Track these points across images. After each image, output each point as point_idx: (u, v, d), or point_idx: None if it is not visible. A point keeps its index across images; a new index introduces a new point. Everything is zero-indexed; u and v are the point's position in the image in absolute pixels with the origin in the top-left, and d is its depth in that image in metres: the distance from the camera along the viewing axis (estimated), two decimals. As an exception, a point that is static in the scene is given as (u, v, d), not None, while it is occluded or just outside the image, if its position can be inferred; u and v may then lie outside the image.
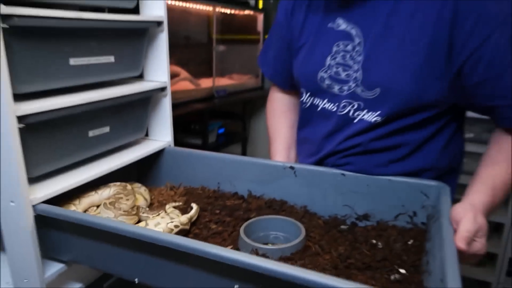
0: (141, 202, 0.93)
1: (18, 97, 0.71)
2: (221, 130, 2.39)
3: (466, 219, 0.66)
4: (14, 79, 0.67)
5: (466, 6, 0.73)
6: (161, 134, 1.11)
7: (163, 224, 0.80)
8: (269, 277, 0.54)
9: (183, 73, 2.09)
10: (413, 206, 0.84)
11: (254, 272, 0.55)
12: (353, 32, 0.85)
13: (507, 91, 0.75)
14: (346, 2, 0.86)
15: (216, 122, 2.37)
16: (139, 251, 0.68)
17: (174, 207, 0.89)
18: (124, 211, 0.83)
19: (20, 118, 0.68)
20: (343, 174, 0.89)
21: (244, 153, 2.68)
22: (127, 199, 0.87)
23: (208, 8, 2.26)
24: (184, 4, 2.04)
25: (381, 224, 0.85)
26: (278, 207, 0.93)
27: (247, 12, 2.59)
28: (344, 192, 0.89)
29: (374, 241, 0.79)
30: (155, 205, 0.96)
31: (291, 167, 0.94)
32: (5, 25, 0.64)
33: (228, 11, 2.43)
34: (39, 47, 0.74)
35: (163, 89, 1.06)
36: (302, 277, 0.52)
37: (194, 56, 2.40)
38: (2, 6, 0.63)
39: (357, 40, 0.85)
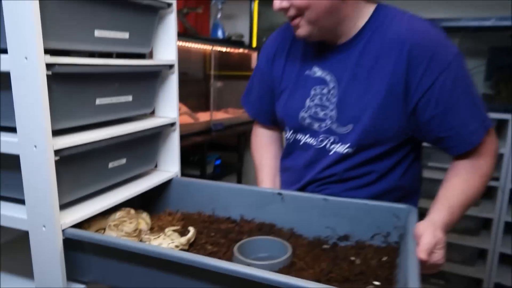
0: (143, 226, 1.02)
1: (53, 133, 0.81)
2: (218, 162, 2.49)
3: (427, 233, 0.78)
4: (52, 118, 0.77)
5: (418, 54, 0.88)
6: (170, 165, 1.20)
7: (164, 245, 0.89)
8: (262, 285, 0.63)
9: (183, 108, 2.20)
10: (387, 227, 0.94)
11: (250, 281, 0.64)
12: (328, 78, 1.00)
13: (452, 124, 0.90)
14: (320, 54, 1.02)
15: (213, 154, 2.47)
16: (153, 268, 0.76)
17: (173, 230, 0.98)
18: (126, 232, 0.91)
19: (56, 152, 0.78)
20: (325, 199, 0.99)
21: (239, 183, 2.77)
22: (130, 222, 0.95)
23: (207, 47, 2.41)
24: (185, 44, 2.18)
25: (359, 244, 0.95)
26: (267, 229, 1.03)
27: (241, 50, 2.75)
28: (327, 215, 0.99)
29: (352, 258, 0.89)
30: (155, 229, 1.04)
31: (279, 193, 1.04)
32: (49, 72, 0.74)
33: (224, 49, 2.58)
34: (73, 90, 0.84)
35: (172, 124, 1.16)
36: (292, 284, 0.61)
37: (192, 91, 2.53)
38: (47, 56, 0.74)
39: (331, 85, 0.99)
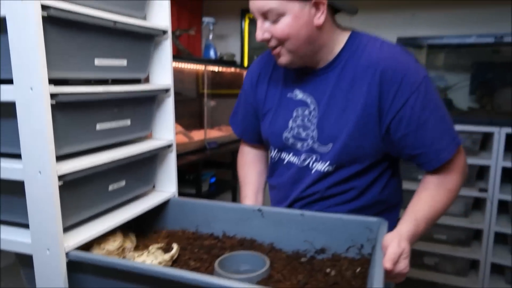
0: (127, 244, 1.04)
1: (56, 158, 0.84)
2: (213, 179, 2.52)
3: (392, 244, 0.83)
4: (56, 145, 0.80)
5: (389, 78, 0.95)
6: (167, 185, 1.24)
7: (148, 261, 0.93)
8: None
9: (178, 127, 2.24)
10: (360, 240, 0.99)
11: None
12: (308, 100, 1.07)
13: (422, 142, 0.96)
14: (301, 78, 1.08)
15: (208, 171, 2.50)
16: (147, 285, 0.79)
17: (157, 247, 1.01)
18: (107, 250, 0.95)
19: (60, 177, 0.81)
20: (302, 215, 1.04)
21: (234, 200, 2.79)
22: (114, 241, 0.98)
23: (199, 67, 2.46)
24: (178, 65, 2.23)
25: (336, 256, 1.01)
26: (248, 245, 1.07)
27: (233, 69, 2.81)
28: (304, 229, 1.04)
29: (328, 270, 0.94)
30: (140, 247, 1.07)
31: (259, 210, 1.09)
32: (53, 102, 0.78)
33: (216, 69, 2.64)
34: (75, 117, 0.88)
35: (169, 146, 1.20)
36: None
37: (186, 110, 2.58)
38: (51, 86, 0.78)
39: (312, 107, 1.06)
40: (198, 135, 2.44)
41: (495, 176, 2.15)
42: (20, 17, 0.74)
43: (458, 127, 2.18)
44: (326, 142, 1.04)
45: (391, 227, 0.97)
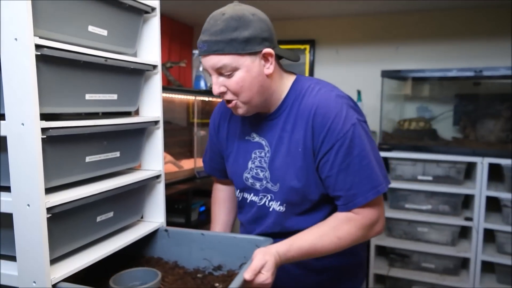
0: None
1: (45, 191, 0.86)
2: (202, 208, 2.52)
3: (258, 256, 0.90)
4: (45, 177, 0.82)
5: (320, 124, 1.01)
6: (155, 216, 1.25)
7: None
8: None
9: (167, 157, 2.26)
10: (250, 257, 1.00)
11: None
12: (263, 142, 1.13)
13: (342, 185, 1.01)
14: (256, 122, 1.14)
15: (198, 200, 2.51)
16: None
17: None
18: None
19: (48, 209, 0.82)
20: (202, 234, 1.14)
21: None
22: None
23: (190, 97, 2.51)
24: (169, 95, 2.28)
25: (230, 272, 1.09)
26: (154, 263, 1.16)
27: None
28: (204, 248, 1.13)
29: (217, 285, 1.03)
30: None
31: (166, 230, 1.20)
32: (44, 136, 0.81)
33: (207, 99, 2.69)
34: (65, 150, 0.90)
35: (158, 176, 1.22)
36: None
37: (176, 139, 2.60)
38: (42, 122, 0.80)
39: (266, 149, 1.12)
40: (187, 164, 2.46)
41: (479, 205, 2.19)
42: (14, 55, 0.78)
43: (442, 157, 2.23)
44: (275, 183, 1.10)
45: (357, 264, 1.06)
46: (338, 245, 1.00)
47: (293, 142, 1.06)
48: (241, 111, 1.05)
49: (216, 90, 1.02)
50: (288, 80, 1.10)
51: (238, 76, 0.98)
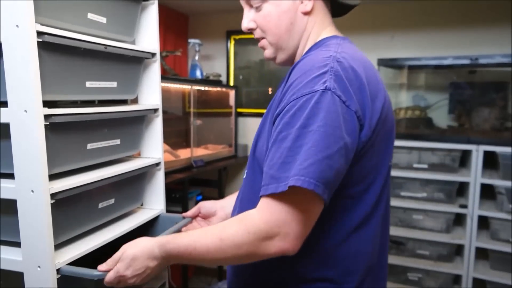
0: None
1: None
2: (199, 197, 2.53)
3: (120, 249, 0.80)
4: (48, 164, 0.83)
5: (291, 74, 0.80)
6: (155, 203, 1.26)
7: None
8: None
9: (164, 146, 2.26)
10: None
11: None
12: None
13: (267, 162, 0.74)
14: None
15: (194, 190, 2.52)
16: None
17: None
18: None
19: (52, 195, 0.83)
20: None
21: (221, 218, 2.81)
22: None
23: (186, 87, 2.51)
24: (165, 85, 2.27)
25: None
26: None
27: (219, 89, 2.86)
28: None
29: None
30: None
31: None
32: (46, 123, 0.81)
33: (202, 88, 2.69)
34: (67, 137, 0.91)
35: (157, 164, 1.23)
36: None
37: (173, 129, 2.60)
38: (45, 108, 0.81)
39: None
40: (184, 154, 2.47)
41: (474, 193, 2.21)
42: (15, 43, 0.78)
43: (438, 145, 2.25)
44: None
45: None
46: (220, 248, 0.74)
47: (266, 113, 0.87)
48: (268, 53, 0.91)
49: (244, 24, 0.90)
50: (326, 33, 0.89)
51: (266, 9, 0.86)
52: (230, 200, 1.10)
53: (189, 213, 1.12)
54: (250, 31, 0.91)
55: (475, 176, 2.20)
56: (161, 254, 0.78)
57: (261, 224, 0.72)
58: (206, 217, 1.08)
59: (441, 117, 2.54)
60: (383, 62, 2.41)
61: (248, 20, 0.90)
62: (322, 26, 0.89)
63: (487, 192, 2.27)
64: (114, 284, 0.81)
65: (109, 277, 0.80)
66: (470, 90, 2.47)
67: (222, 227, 0.77)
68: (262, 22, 0.88)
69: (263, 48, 0.93)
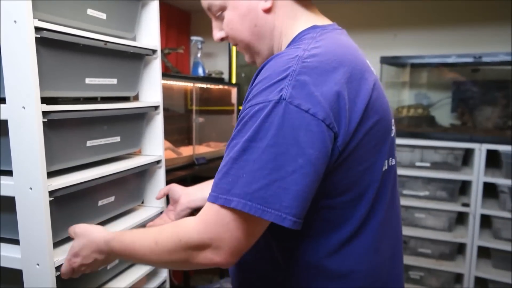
0: None
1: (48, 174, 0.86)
2: (201, 195, 2.54)
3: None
4: (47, 161, 0.82)
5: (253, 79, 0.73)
6: (156, 200, 1.25)
7: None
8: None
9: (166, 143, 2.26)
10: None
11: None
12: None
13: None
14: None
15: (196, 187, 2.53)
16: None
17: None
18: None
19: (50, 192, 0.83)
20: None
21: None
22: None
23: (188, 85, 2.50)
24: (167, 82, 2.27)
25: None
26: None
27: (221, 86, 2.85)
28: None
29: None
30: None
31: None
32: (45, 119, 0.81)
33: (205, 86, 2.68)
34: (66, 134, 0.90)
35: (158, 161, 1.22)
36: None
37: (175, 127, 2.60)
38: (43, 105, 0.80)
39: None
40: (186, 151, 2.46)
41: (477, 191, 2.20)
42: (13, 38, 0.77)
43: (441, 143, 2.24)
44: None
45: None
46: (154, 252, 0.72)
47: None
48: (247, 58, 0.85)
49: (214, 36, 0.85)
50: (303, 25, 0.79)
51: (227, 17, 0.80)
52: (196, 188, 1.07)
53: (160, 193, 1.09)
54: (223, 40, 0.86)
55: (477, 174, 2.19)
56: (107, 249, 0.78)
57: (194, 233, 0.68)
58: (173, 201, 1.05)
59: (444, 116, 2.52)
60: (385, 60, 2.40)
61: (217, 30, 0.85)
62: (293, 19, 0.79)
63: (490, 191, 2.26)
64: (70, 273, 0.83)
65: (63, 266, 0.83)
66: (473, 88, 2.45)
67: (159, 231, 0.74)
68: (227, 31, 0.82)
69: (243, 54, 0.87)
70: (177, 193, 1.06)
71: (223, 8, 0.80)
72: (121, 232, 0.80)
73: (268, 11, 0.77)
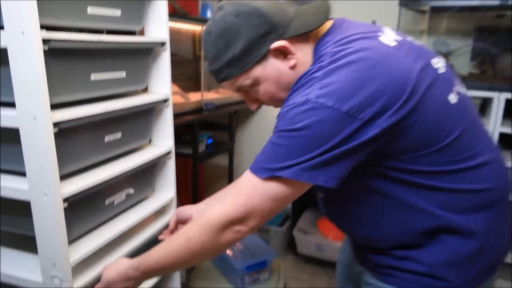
0: None
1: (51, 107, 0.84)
2: (210, 141, 2.51)
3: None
4: (50, 92, 0.79)
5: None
6: (164, 140, 1.24)
7: None
8: None
9: (174, 88, 2.22)
10: None
11: None
12: None
13: None
14: None
15: (205, 133, 2.50)
16: None
17: None
18: None
19: (55, 124, 0.81)
20: None
21: (231, 161, 2.81)
22: None
23: (196, 28, 2.41)
24: (174, 25, 2.19)
25: None
26: None
27: (232, 30, 2.76)
28: None
29: None
30: None
31: None
32: (45, 47, 0.77)
33: (215, 29, 2.59)
34: (68, 65, 0.87)
35: (165, 100, 1.19)
36: None
37: (183, 72, 2.54)
38: (43, 31, 0.76)
39: None
40: (195, 97, 2.42)
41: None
42: (21, 48, 0.74)
43: (457, 92, 2.17)
44: None
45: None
46: (189, 249, 0.77)
47: None
48: (267, 104, 0.89)
49: (252, 108, 0.89)
50: (310, 47, 0.81)
51: (261, 88, 0.82)
52: (206, 203, 1.03)
53: (170, 226, 1.01)
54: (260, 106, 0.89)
55: (494, 124, 2.13)
56: (136, 275, 0.83)
57: (228, 211, 0.74)
58: (183, 222, 1.00)
59: (463, 64, 2.43)
60: (405, 3, 2.27)
61: (252, 103, 0.88)
62: (306, 59, 0.80)
63: (506, 142, 2.22)
64: None
65: None
66: (495, 35, 2.33)
67: (187, 230, 0.79)
68: (265, 99, 0.85)
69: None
70: (186, 213, 1.02)
71: (255, 84, 0.82)
72: (143, 255, 0.83)
73: (294, 66, 0.79)
